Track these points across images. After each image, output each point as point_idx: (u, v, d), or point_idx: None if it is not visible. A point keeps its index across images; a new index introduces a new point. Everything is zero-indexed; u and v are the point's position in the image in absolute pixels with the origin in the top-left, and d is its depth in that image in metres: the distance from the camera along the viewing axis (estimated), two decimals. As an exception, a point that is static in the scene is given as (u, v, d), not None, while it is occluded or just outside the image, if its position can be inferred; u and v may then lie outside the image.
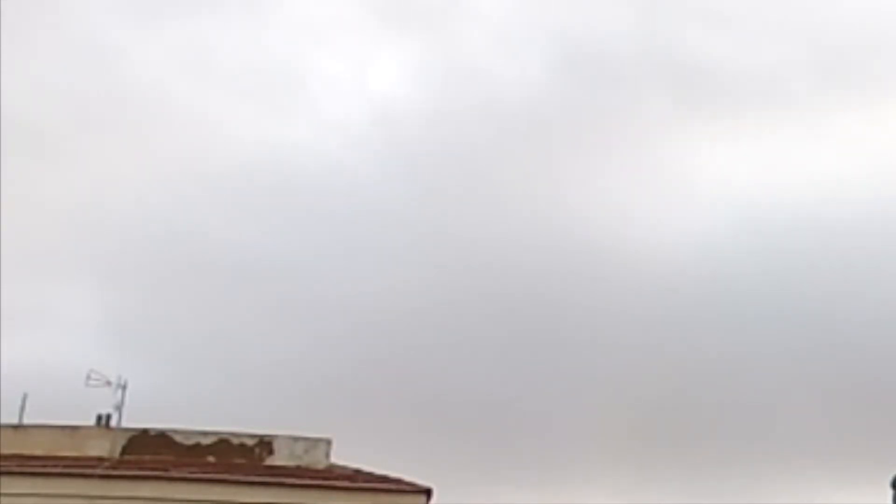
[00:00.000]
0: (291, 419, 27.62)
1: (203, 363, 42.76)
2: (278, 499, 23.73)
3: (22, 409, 25.33)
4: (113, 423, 25.72)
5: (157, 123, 53.18)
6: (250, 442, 25.26)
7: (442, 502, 24.18)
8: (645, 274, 49.04)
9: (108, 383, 25.98)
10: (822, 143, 53.32)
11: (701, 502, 39.71)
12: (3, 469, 22.94)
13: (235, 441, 25.21)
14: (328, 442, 25.31)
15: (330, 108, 57.44)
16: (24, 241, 41.18)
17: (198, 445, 25.05)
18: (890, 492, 27.44)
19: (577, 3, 57.16)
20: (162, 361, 39.73)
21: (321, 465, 25.00)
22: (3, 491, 22.43)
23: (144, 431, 25.17)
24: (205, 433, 25.19)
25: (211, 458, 24.86)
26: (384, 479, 24.18)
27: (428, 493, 23.85)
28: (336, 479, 24.32)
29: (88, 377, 26.00)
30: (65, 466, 23.60)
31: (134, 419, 25.70)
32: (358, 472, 24.65)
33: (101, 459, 24.20)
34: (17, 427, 24.93)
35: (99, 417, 25.73)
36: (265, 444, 25.24)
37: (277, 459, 25.10)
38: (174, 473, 23.70)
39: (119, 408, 25.78)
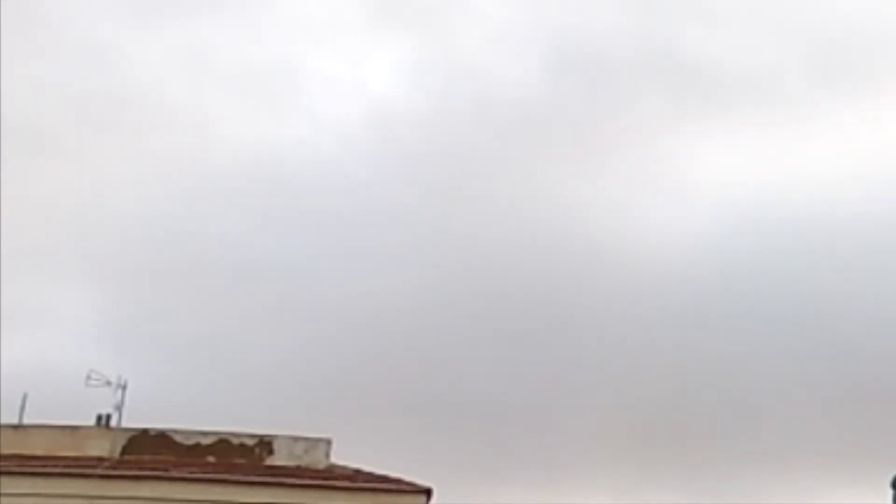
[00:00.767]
0: (291, 419, 27.61)
1: (203, 363, 42.81)
2: (278, 499, 23.73)
3: (22, 409, 25.36)
4: (113, 423, 25.72)
5: (156, 123, 53.28)
6: (250, 442, 25.26)
7: (442, 502, 24.19)
8: (644, 274, 49.06)
9: (108, 383, 25.99)
10: (820, 143, 53.36)
11: (701, 502, 39.78)
12: (3, 469, 22.94)
13: (235, 441, 25.22)
14: (328, 442, 25.32)
15: (328, 108, 57.48)
16: (23, 241, 41.16)
17: (198, 445, 25.05)
18: (890, 492, 27.41)
19: (575, 2, 57.19)
20: (162, 361, 39.76)
21: (321, 465, 25.00)
22: (3, 491, 22.43)
23: (144, 431, 25.18)
24: (205, 433, 25.20)
25: (211, 458, 24.86)
26: (384, 479, 24.18)
27: (428, 493, 23.85)
28: (336, 479, 24.32)
29: (88, 377, 26.02)
30: (65, 466, 23.59)
31: (134, 419, 25.74)
32: (358, 472, 24.66)
33: (101, 459, 24.19)
34: (17, 427, 24.92)
35: (99, 417, 25.73)
36: (265, 444, 25.24)
37: (277, 459, 25.10)
38: (174, 473, 23.70)
39: (119, 408, 25.81)
